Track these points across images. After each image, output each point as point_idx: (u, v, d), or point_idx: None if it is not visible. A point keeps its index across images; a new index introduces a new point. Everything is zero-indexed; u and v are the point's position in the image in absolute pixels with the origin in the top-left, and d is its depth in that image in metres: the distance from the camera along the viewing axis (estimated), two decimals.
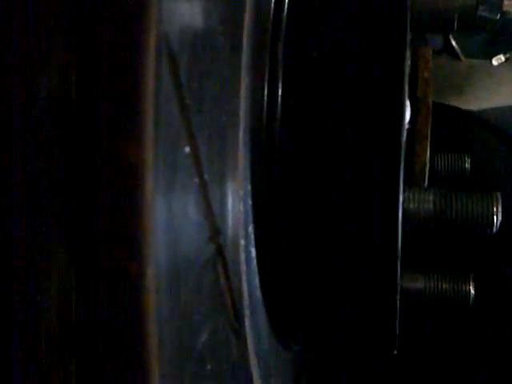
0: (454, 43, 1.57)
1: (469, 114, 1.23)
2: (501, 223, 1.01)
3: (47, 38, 0.31)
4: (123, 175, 0.31)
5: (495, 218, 0.53)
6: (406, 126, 0.56)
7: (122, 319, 0.32)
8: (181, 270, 0.36)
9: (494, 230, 0.53)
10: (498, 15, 0.55)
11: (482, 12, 0.56)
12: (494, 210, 0.53)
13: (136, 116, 0.30)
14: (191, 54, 0.35)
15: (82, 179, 0.32)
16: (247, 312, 0.50)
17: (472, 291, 0.63)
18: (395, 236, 0.50)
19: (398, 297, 0.54)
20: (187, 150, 0.36)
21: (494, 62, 1.58)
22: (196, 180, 0.37)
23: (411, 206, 0.53)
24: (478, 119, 1.20)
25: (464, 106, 1.42)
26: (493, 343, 0.91)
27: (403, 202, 0.54)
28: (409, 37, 0.51)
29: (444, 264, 0.72)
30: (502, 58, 1.56)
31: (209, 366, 0.41)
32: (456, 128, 1.18)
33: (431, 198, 0.53)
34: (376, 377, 0.86)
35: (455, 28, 0.56)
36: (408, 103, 0.55)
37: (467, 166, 0.73)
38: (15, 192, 0.31)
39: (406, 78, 0.49)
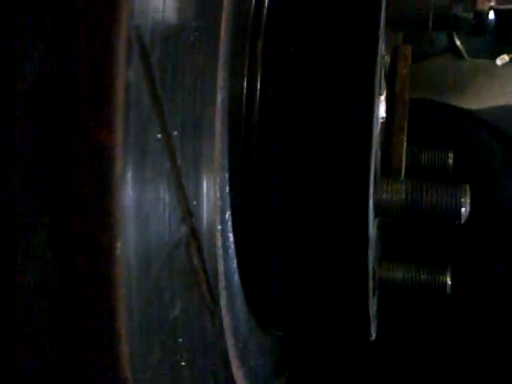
0: (458, 43, 1.59)
1: (466, 112, 1.26)
2: (492, 218, 1.04)
3: (27, 35, 0.35)
4: (95, 155, 0.35)
5: (463, 209, 0.56)
6: (381, 120, 0.60)
7: (94, 287, 0.36)
8: (151, 247, 0.40)
9: (462, 220, 0.57)
10: (472, 14, 0.59)
11: (456, 11, 0.60)
12: (462, 201, 0.56)
13: (107, 102, 0.34)
14: (163, 48, 0.39)
15: (59, 159, 0.35)
16: (224, 294, 0.54)
17: (449, 282, 0.66)
18: (366, 224, 0.53)
19: (371, 284, 0.58)
20: (159, 135, 0.39)
21: (498, 62, 1.60)
22: (168, 164, 0.41)
23: (384, 196, 0.57)
24: (476, 118, 1.23)
25: (466, 106, 1.44)
26: (479, 336, 0.95)
27: (377, 192, 0.57)
28: (382, 33, 0.55)
29: (426, 255, 0.75)
30: (506, 58, 1.59)
31: (180, 340, 0.45)
32: (453, 126, 1.21)
33: (404, 188, 0.57)
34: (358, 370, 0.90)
35: (430, 27, 0.59)
36: (383, 98, 0.59)
37: (450, 161, 0.77)
38: None
39: (378, 74, 0.53)
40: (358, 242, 0.54)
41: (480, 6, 0.59)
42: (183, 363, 0.45)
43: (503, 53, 1.57)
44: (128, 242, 0.36)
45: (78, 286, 0.36)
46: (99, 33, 0.34)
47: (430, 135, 1.12)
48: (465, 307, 0.99)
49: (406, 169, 0.74)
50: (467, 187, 0.57)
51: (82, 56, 0.34)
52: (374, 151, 0.53)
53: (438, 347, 0.96)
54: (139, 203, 0.38)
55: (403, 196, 0.57)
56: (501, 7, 0.62)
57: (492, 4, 0.58)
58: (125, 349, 0.37)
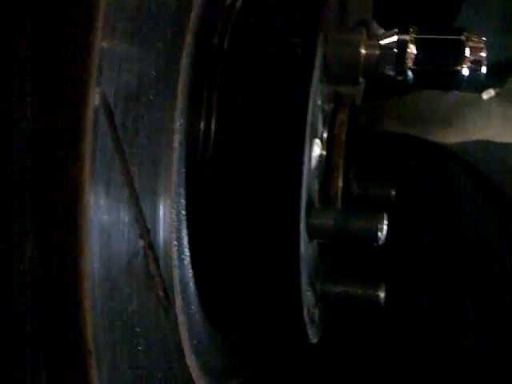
0: None
1: (439, 147, 1.39)
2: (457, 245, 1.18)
3: (24, 100, 0.52)
4: (70, 187, 0.51)
5: (379, 233, 0.72)
6: (318, 159, 0.77)
7: (68, 282, 0.53)
8: (112, 255, 0.56)
9: (380, 242, 0.73)
10: (397, 75, 0.75)
11: (384, 70, 0.76)
12: (379, 226, 0.72)
13: (78, 147, 0.51)
14: (125, 106, 0.56)
15: (46, 189, 0.52)
16: (179, 297, 0.70)
17: (382, 296, 0.82)
18: (297, 243, 0.69)
19: (305, 294, 0.74)
20: (120, 171, 0.56)
21: (484, 96, 1.73)
22: (127, 192, 0.57)
23: (316, 221, 0.73)
24: (448, 152, 1.37)
25: (451, 139, 1.57)
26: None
27: (311, 217, 0.74)
28: (315, 88, 0.71)
29: (367, 272, 0.90)
30: (492, 92, 1.71)
31: (137, 329, 0.61)
32: (423, 160, 1.35)
33: (332, 215, 0.73)
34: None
35: (360, 81, 0.76)
36: (318, 141, 0.76)
37: (392, 193, 0.93)
38: None
39: (309, 122, 0.69)
40: (291, 259, 0.70)
41: (402, 67, 0.75)
42: (139, 348, 0.62)
43: (489, 87, 1.68)
44: (93, 251, 0.53)
45: (56, 281, 0.52)
46: (75, 100, 0.51)
47: (400, 169, 1.28)
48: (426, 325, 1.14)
49: (354, 198, 0.91)
50: (384, 214, 0.73)
51: (63, 116, 0.51)
52: (304, 184, 0.69)
53: (393, 364, 1.11)
54: (103, 222, 0.54)
55: (332, 222, 0.73)
56: None
57: (410, 65, 0.74)
58: (89, 328, 0.53)
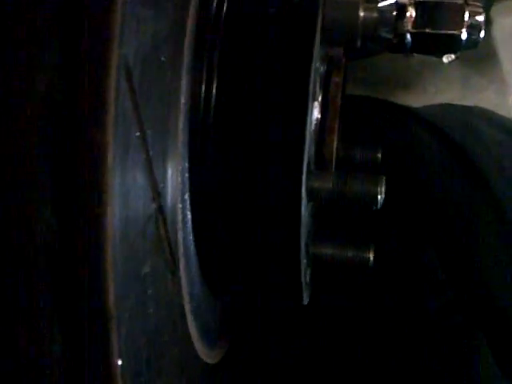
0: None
1: (406, 109, 1.41)
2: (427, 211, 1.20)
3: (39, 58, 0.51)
4: (94, 151, 0.51)
5: (379, 196, 0.73)
6: (316, 121, 0.77)
7: (91, 244, 0.52)
8: (130, 218, 0.56)
9: (379, 206, 0.74)
10: (394, 38, 0.75)
11: (382, 32, 0.76)
12: (378, 189, 0.73)
13: (102, 111, 0.50)
14: (142, 67, 0.55)
15: (68, 154, 0.51)
16: (182, 259, 0.70)
17: (371, 259, 0.84)
18: (298, 206, 0.70)
19: (303, 257, 0.75)
20: (137, 134, 0.56)
21: (445, 59, 1.75)
22: (143, 155, 0.57)
23: (315, 184, 0.73)
24: (414, 115, 1.38)
25: (413, 102, 1.59)
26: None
27: (309, 180, 0.74)
28: (317, 51, 0.71)
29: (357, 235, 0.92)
30: (452, 55, 1.73)
31: (149, 292, 0.61)
32: (392, 123, 1.37)
33: (331, 178, 0.74)
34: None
35: (358, 45, 0.76)
36: (317, 104, 0.76)
37: (379, 155, 0.94)
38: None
39: (312, 84, 0.69)
40: (292, 221, 0.71)
41: (400, 30, 0.76)
42: (150, 310, 0.62)
43: None
44: (114, 213, 0.53)
45: (78, 242, 0.52)
46: (98, 61, 0.51)
47: (369, 132, 1.29)
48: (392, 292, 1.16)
49: (340, 161, 0.92)
50: (383, 178, 0.74)
51: (85, 78, 0.51)
52: (307, 147, 0.70)
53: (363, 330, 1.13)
54: (122, 185, 0.54)
55: (330, 184, 0.74)
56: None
57: (409, 28, 0.75)
58: (111, 293, 0.53)
